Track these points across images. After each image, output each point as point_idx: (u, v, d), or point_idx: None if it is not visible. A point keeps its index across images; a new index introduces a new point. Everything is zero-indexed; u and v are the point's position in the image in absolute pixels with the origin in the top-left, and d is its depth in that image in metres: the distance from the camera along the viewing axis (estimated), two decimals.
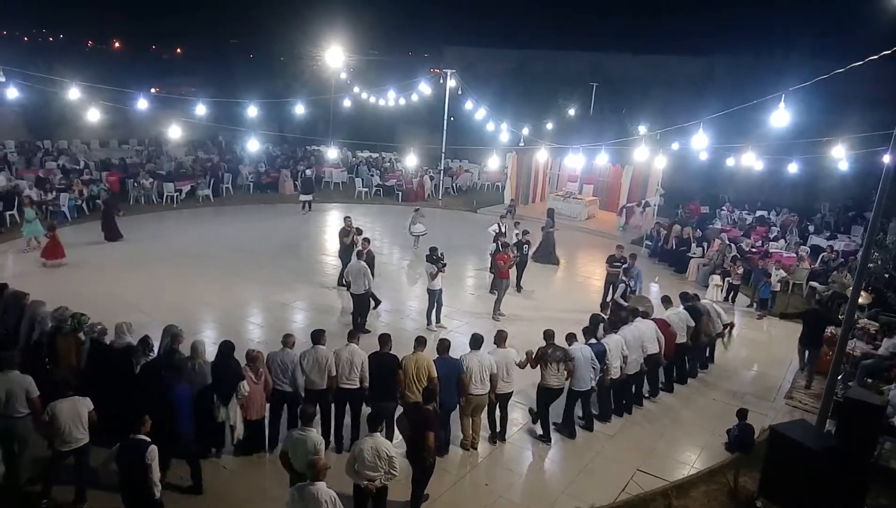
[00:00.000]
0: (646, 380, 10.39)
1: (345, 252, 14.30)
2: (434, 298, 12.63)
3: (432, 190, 26.88)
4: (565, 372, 8.78)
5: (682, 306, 11.18)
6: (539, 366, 8.80)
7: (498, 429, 8.97)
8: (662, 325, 10.35)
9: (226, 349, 7.89)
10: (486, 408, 8.72)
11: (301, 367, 8.06)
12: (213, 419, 7.77)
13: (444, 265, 12.69)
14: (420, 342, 8.29)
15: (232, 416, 7.81)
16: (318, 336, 8.24)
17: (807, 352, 11.49)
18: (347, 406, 8.35)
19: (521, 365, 8.91)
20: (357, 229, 14.75)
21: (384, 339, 8.33)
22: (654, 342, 10.02)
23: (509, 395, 8.85)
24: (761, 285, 15.03)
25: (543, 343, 8.87)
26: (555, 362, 8.70)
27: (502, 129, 22.79)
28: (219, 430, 7.95)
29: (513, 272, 15.26)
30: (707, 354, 12.00)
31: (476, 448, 8.69)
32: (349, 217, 15.20)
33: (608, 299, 13.68)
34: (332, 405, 8.36)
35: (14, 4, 59.31)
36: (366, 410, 8.08)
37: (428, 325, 12.67)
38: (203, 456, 7.79)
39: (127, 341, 8.14)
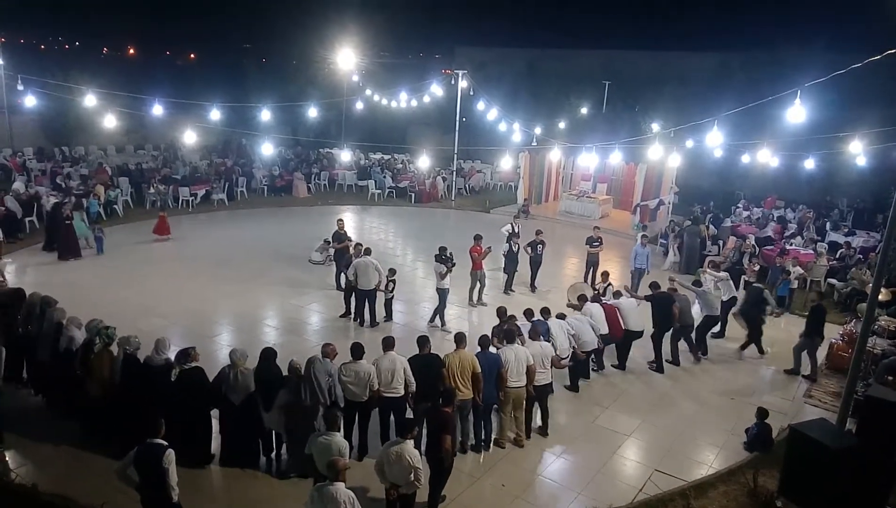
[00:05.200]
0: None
1: (339, 255, 14.35)
2: (444, 297, 12.68)
3: (445, 191, 26.89)
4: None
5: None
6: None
7: (538, 424, 9.08)
8: (609, 309, 11.03)
9: (268, 355, 7.90)
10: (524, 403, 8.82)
11: (339, 380, 7.87)
12: (260, 426, 7.81)
13: (454, 265, 12.71)
14: (460, 340, 8.36)
15: (280, 424, 7.83)
16: (357, 351, 8.03)
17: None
18: (392, 415, 8.16)
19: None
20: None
21: (423, 341, 8.34)
22: (605, 324, 10.74)
23: (547, 387, 8.96)
24: (779, 282, 14.88)
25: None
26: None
27: (514, 128, 22.76)
28: (265, 438, 8.01)
29: (528, 272, 15.32)
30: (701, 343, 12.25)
31: (522, 446, 8.76)
32: (342, 219, 15.24)
33: (588, 278, 15.23)
34: (375, 415, 8.25)
35: (30, 13, 60.24)
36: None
37: (430, 322, 12.82)
38: (255, 465, 7.92)
39: (166, 357, 8.01)
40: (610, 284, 12.93)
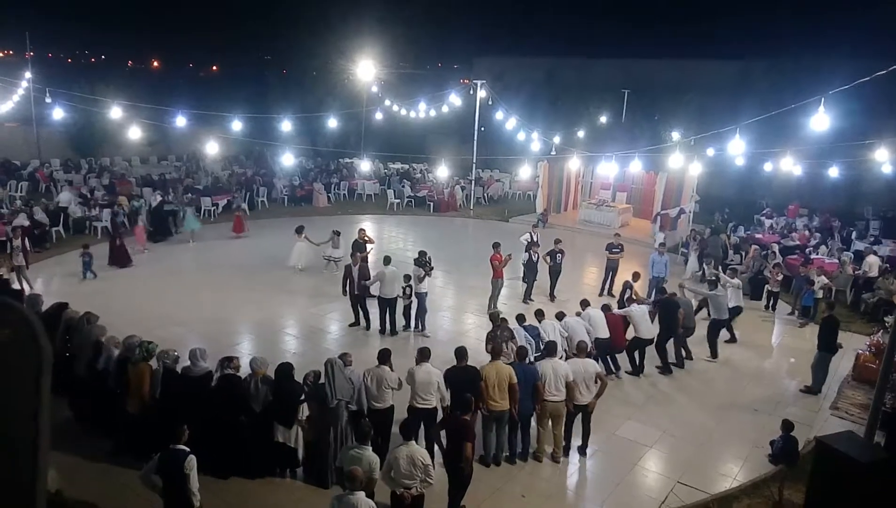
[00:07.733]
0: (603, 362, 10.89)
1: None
2: (423, 301, 12.70)
3: (463, 200, 26.94)
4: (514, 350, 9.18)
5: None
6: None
7: (580, 442, 8.86)
8: (612, 317, 11.05)
9: (284, 370, 7.83)
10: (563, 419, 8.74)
11: (365, 386, 7.86)
12: (272, 439, 7.76)
13: (432, 269, 12.92)
14: (496, 353, 8.41)
15: (293, 439, 7.78)
16: (384, 356, 8.04)
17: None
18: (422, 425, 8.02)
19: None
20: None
21: (462, 353, 8.28)
22: (604, 330, 10.74)
23: (586, 407, 8.68)
24: (804, 292, 14.64)
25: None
26: (504, 341, 9.28)
27: (533, 138, 22.74)
28: (278, 450, 7.91)
29: (547, 281, 15.26)
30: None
31: (558, 461, 8.62)
32: (363, 229, 15.30)
33: (606, 285, 15.33)
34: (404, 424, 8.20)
35: (58, 28, 61.74)
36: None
37: (415, 327, 12.82)
38: (260, 476, 7.87)
39: (203, 366, 7.95)
40: (630, 288, 12.87)
